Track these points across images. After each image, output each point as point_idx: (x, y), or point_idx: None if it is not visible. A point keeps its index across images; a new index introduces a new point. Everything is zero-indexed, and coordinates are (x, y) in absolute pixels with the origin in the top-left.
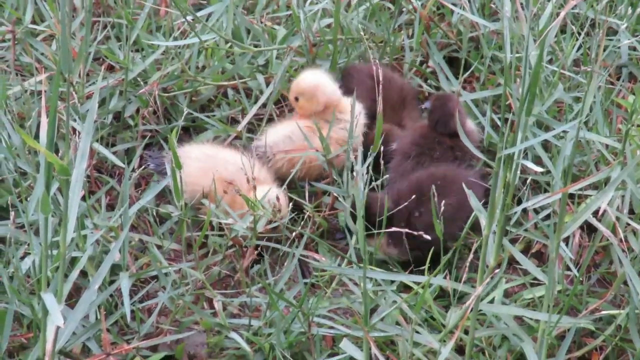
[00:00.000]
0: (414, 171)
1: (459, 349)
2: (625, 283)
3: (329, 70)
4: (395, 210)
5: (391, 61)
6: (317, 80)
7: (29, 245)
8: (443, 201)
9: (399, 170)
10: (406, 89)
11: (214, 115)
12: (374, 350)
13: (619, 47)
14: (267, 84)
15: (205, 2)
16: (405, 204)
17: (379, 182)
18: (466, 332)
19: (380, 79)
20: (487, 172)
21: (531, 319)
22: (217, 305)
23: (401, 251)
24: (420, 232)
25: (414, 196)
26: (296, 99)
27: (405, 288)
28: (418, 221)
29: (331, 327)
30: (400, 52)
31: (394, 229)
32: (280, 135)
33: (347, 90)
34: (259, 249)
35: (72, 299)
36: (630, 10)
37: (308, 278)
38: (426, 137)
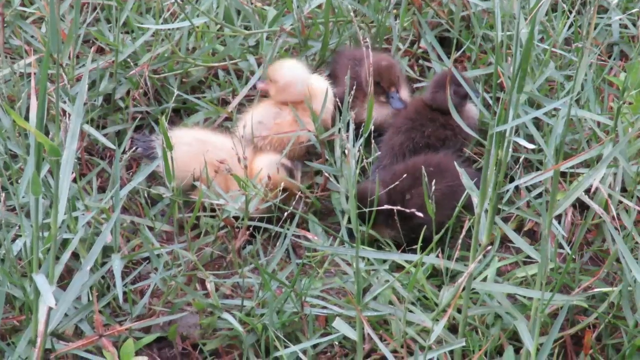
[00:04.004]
0: (404, 145)
1: (452, 328)
2: (617, 260)
3: (319, 52)
4: (388, 195)
5: (381, 42)
6: (291, 76)
7: (20, 227)
8: (434, 185)
9: (389, 144)
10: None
11: (204, 97)
12: (367, 329)
13: (609, 26)
14: (258, 65)
15: None
16: (396, 187)
17: (370, 159)
18: (459, 311)
19: (371, 61)
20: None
21: (524, 297)
22: (210, 286)
23: (396, 233)
24: (413, 210)
25: (404, 181)
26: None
27: (397, 267)
28: (410, 204)
29: (324, 307)
30: (391, 32)
31: (387, 207)
32: (252, 124)
33: (333, 75)
34: (251, 229)
35: (64, 281)
36: None
37: (299, 259)
38: (420, 113)
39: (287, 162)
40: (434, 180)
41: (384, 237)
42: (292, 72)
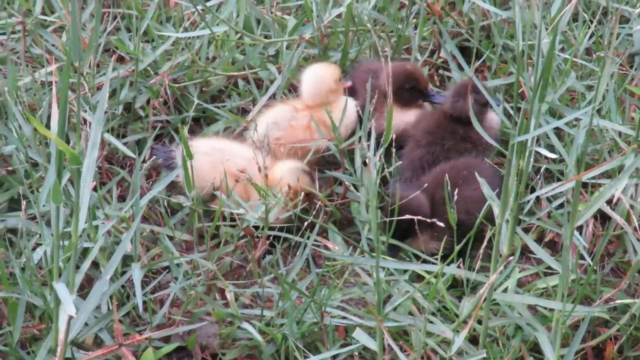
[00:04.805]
0: (424, 159)
1: (473, 339)
2: (639, 272)
3: (339, 61)
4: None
5: (399, 53)
6: (313, 77)
7: (40, 236)
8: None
9: (409, 157)
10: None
11: (224, 106)
12: (388, 340)
13: (631, 35)
14: (278, 74)
15: None
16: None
17: (390, 169)
18: (480, 322)
19: (390, 70)
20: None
21: (545, 308)
22: (229, 296)
23: (439, 242)
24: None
25: (439, 188)
26: None
27: (418, 278)
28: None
29: (344, 317)
30: (411, 42)
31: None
32: (267, 124)
33: (349, 88)
34: (271, 239)
35: (84, 290)
36: None
37: (319, 269)
38: (440, 126)
39: (307, 168)
40: (469, 183)
41: (429, 250)
42: (309, 73)
